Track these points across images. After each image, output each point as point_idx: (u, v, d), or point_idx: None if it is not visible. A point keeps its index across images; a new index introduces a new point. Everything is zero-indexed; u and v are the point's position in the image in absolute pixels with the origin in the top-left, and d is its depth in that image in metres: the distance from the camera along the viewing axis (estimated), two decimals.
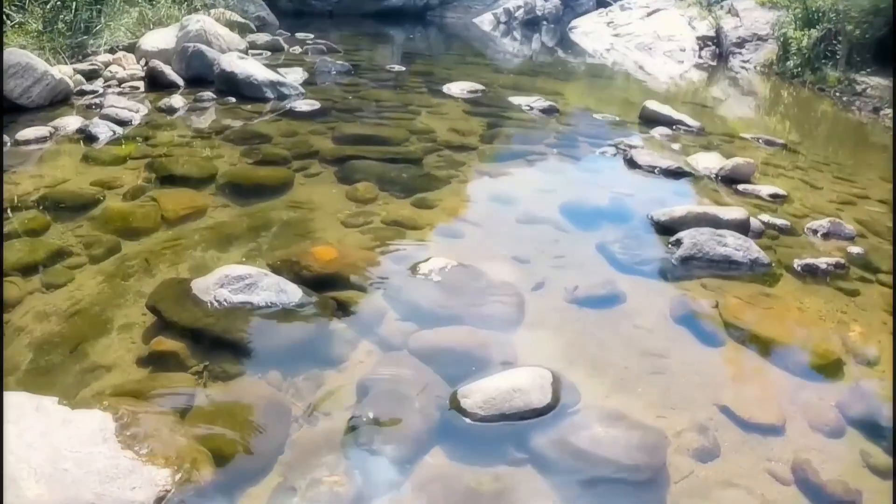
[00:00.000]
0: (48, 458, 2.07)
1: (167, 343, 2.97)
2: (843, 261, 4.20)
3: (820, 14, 12.00)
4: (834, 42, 11.68)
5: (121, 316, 3.22)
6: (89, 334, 3.08)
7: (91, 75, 7.67)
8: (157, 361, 2.89)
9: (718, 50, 15.11)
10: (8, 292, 3.33)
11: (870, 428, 2.85)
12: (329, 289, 3.48)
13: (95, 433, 2.26)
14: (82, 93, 7.15)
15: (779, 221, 4.73)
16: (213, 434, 2.47)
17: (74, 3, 8.19)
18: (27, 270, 3.53)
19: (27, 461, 2.03)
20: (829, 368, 3.22)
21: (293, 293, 3.26)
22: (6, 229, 3.95)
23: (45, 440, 2.15)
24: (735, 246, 4.11)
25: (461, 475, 2.40)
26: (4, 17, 7.44)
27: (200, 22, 9.08)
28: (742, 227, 4.44)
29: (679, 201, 5.04)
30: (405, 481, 2.37)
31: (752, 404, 2.89)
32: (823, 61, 11.66)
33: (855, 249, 4.42)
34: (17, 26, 7.65)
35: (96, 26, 8.58)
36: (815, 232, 4.69)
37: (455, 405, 2.65)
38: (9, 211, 4.22)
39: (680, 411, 2.83)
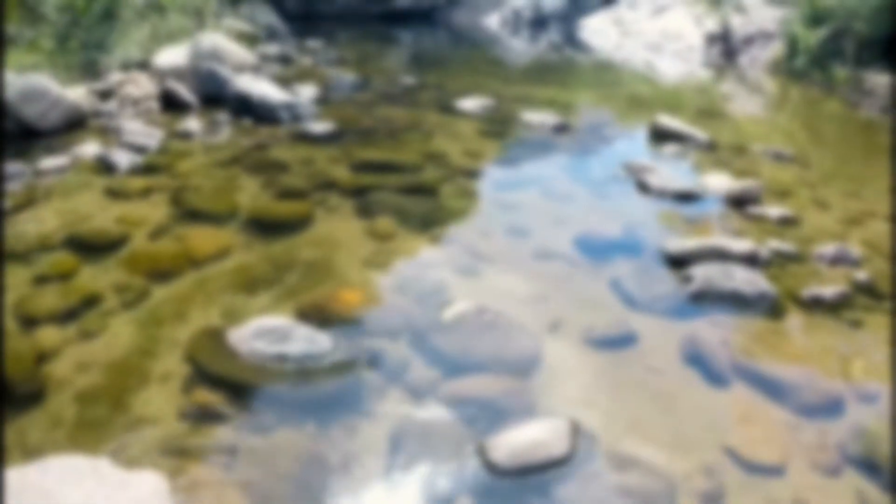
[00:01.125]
0: None
1: (207, 395, 3.15)
2: (848, 290, 4.34)
3: (828, 12, 12.02)
4: (842, 40, 11.72)
5: (158, 366, 3.39)
6: (129, 385, 3.25)
7: (105, 95, 7.76)
8: (198, 414, 3.06)
9: (726, 48, 15.15)
10: (46, 341, 3.50)
11: (868, 467, 3.02)
12: (356, 334, 3.65)
13: (152, 495, 2.43)
14: (98, 114, 7.26)
15: (786, 248, 4.84)
16: (258, 487, 2.66)
17: (86, 20, 8.30)
18: (62, 317, 3.69)
19: None
20: (830, 407, 3.37)
21: (324, 343, 3.43)
22: (39, 272, 4.11)
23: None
24: (744, 280, 4.25)
25: None
26: (16, 35, 7.56)
27: (212, 39, 9.21)
28: (751, 259, 4.58)
29: (690, 228, 5.19)
30: None
31: (755, 445, 3.07)
32: (831, 59, 11.70)
33: (861, 275, 4.53)
34: (28, 45, 7.78)
35: (109, 42, 8.69)
36: (821, 258, 4.80)
37: (482, 456, 2.83)
38: (38, 251, 4.37)
39: (688, 454, 3.01)
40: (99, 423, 3.01)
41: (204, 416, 3.06)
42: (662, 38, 16.48)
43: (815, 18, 12.26)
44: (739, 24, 15.13)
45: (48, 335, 3.55)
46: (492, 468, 2.80)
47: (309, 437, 2.97)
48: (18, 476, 2.37)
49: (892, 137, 8.33)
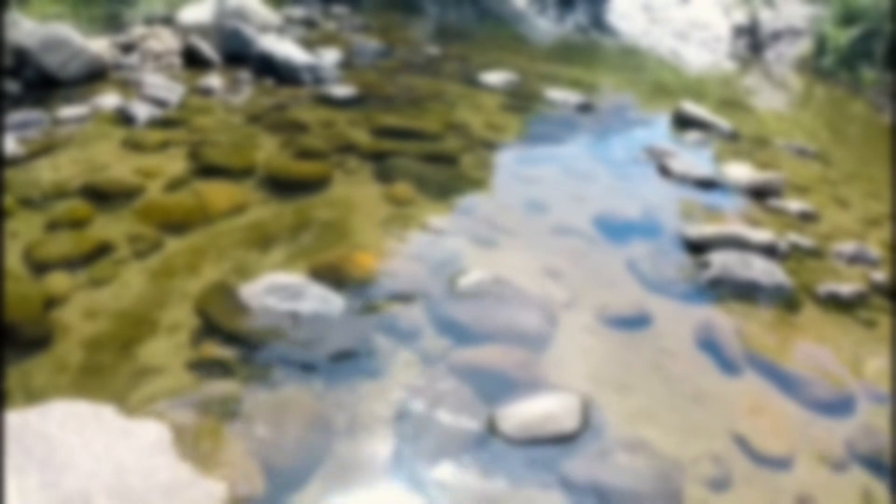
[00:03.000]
0: (114, 472, 2.23)
1: (215, 349, 3.13)
2: (864, 289, 4.30)
3: (860, 12, 11.83)
4: (872, 41, 11.54)
5: (167, 317, 3.37)
6: (137, 335, 3.23)
7: (127, 48, 7.70)
8: (205, 367, 3.05)
9: (753, 41, 14.95)
10: (55, 287, 3.48)
11: (874, 465, 3.01)
12: (369, 297, 3.62)
13: (155, 445, 2.42)
14: (119, 67, 7.21)
15: (805, 242, 4.80)
16: (261, 444, 2.64)
17: None
18: (73, 264, 3.67)
19: (96, 476, 2.19)
20: (841, 403, 3.35)
21: (336, 303, 3.41)
22: (51, 218, 4.09)
23: (109, 453, 2.31)
24: (762, 270, 4.21)
25: (497, 495, 2.57)
26: None
27: None
28: (769, 250, 4.53)
29: (709, 215, 5.14)
30: (444, 498, 2.53)
31: (765, 435, 3.05)
32: (860, 60, 11.52)
33: (878, 276, 4.48)
34: None
35: None
36: (840, 256, 4.75)
37: (492, 427, 2.80)
38: (53, 198, 4.34)
39: (697, 439, 2.99)
40: (104, 371, 2.99)
41: (211, 370, 3.04)
42: (690, 27, 16.28)
43: (847, 18, 12.07)
44: (768, 19, 14.92)
45: (57, 281, 3.53)
46: (501, 438, 2.77)
47: (316, 396, 2.95)
48: (19, 419, 2.36)
49: None
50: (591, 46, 14.06)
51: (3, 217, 4.00)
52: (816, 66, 12.39)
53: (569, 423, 2.83)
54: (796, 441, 3.07)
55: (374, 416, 2.87)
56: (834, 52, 11.99)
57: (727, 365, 3.49)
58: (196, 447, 2.54)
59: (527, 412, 2.84)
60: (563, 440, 2.80)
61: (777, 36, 14.46)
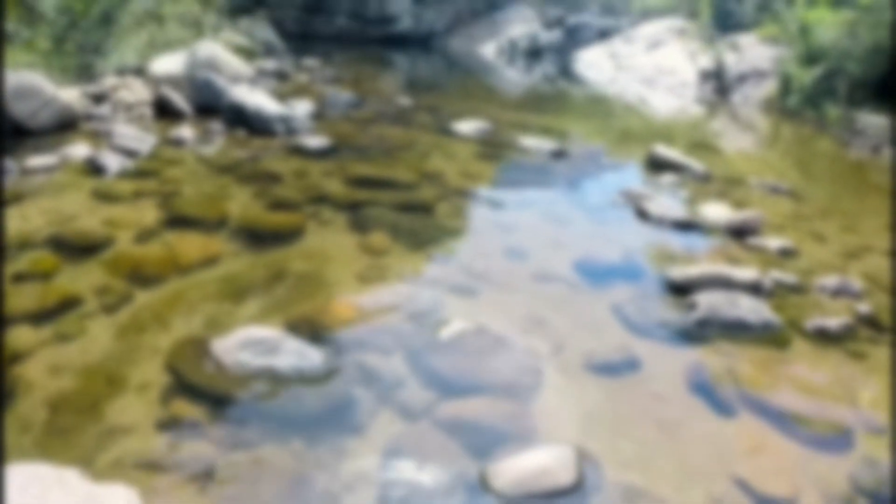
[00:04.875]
0: None
1: (187, 408, 2.96)
2: (852, 321, 4.25)
3: (822, 51, 12.12)
4: (835, 80, 11.80)
5: (137, 373, 3.19)
6: (105, 393, 3.05)
7: (98, 99, 7.65)
8: (176, 426, 2.87)
9: (720, 85, 15.25)
10: (19, 341, 3.31)
11: (879, 498, 2.89)
12: (349, 351, 3.48)
13: None
14: (90, 117, 7.14)
15: (788, 279, 4.76)
16: None
17: (84, 23, 8.21)
18: (38, 318, 3.50)
19: None
20: (839, 437, 3.26)
21: (314, 357, 3.26)
22: (17, 269, 3.93)
23: None
24: (748, 308, 4.14)
25: None
26: (13, 33, 7.44)
27: (209, 49, 9.12)
28: (754, 288, 4.47)
29: (690, 256, 5.09)
30: None
31: (766, 476, 2.93)
32: (824, 99, 11.77)
33: (863, 308, 4.44)
34: (25, 44, 7.65)
35: (105, 47, 8.60)
36: (823, 290, 4.71)
37: (484, 484, 2.65)
38: (18, 249, 4.18)
39: (697, 484, 2.86)
40: (69, 431, 2.81)
41: (182, 429, 2.86)
42: (657, 73, 16.58)
43: (810, 58, 12.37)
44: (733, 62, 15.24)
45: (21, 335, 3.36)
46: (495, 496, 2.62)
47: (295, 456, 2.78)
48: None
49: (893, 176, 8.33)
50: (559, 95, 14.24)
51: None
52: (782, 106, 12.64)
53: (564, 476, 2.68)
54: (798, 480, 2.95)
55: (357, 476, 2.70)
56: (799, 92, 12.25)
57: (721, 406, 3.39)
58: None
59: (520, 467, 2.69)
60: (560, 494, 2.65)
61: (743, 78, 14.76)
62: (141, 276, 4.03)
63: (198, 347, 3.31)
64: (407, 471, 2.71)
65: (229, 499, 2.52)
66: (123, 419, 2.90)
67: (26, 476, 2.26)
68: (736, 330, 4.04)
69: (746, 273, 4.56)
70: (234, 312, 3.77)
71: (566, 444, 2.88)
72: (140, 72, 8.65)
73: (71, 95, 7.01)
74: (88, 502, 2.24)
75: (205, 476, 2.61)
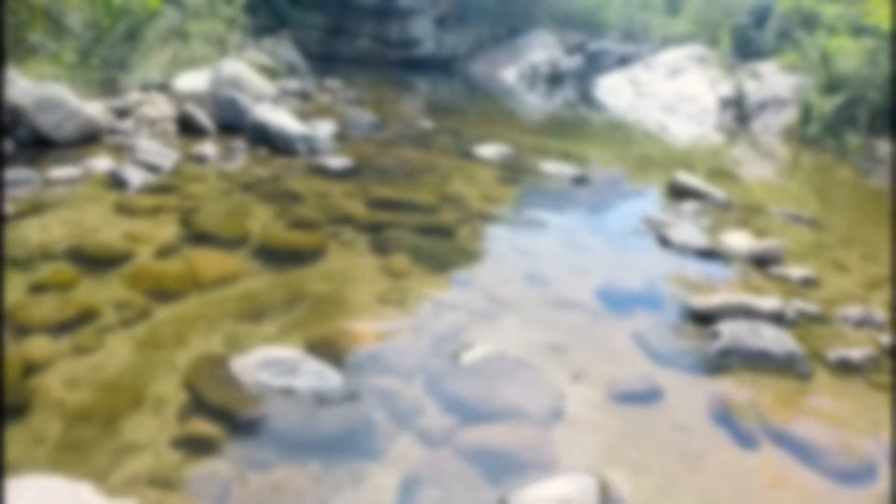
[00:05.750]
0: None
1: (204, 426, 2.93)
2: (875, 352, 4.18)
3: (843, 80, 12.06)
4: (855, 108, 11.72)
5: (154, 390, 3.18)
6: (121, 408, 3.04)
7: (122, 113, 7.72)
8: (192, 445, 2.84)
9: (740, 112, 15.20)
10: (36, 352, 3.30)
11: None
12: (369, 373, 3.45)
13: None
14: (113, 131, 7.20)
15: (811, 308, 4.70)
16: None
17: (110, 38, 8.31)
18: (56, 330, 3.50)
19: None
20: (863, 470, 3.19)
21: (334, 379, 3.23)
22: (36, 280, 3.93)
23: None
24: (771, 338, 4.09)
25: None
26: (39, 46, 7.54)
27: (233, 67, 9.20)
28: (777, 318, 4.42)
29: (712, 286, 5.04)
30: None
31: None
32: (844, 127, 11.69)
33: (886, 339, 4.37)
34: (50, 57, 7.75)
35: (130, 62, 8.70)
36: (846, 320, 4.65)
37: None
38: (38, 259, 4.20)
39: None
40: (84, 445, 2.79)
41: (198, 448, 2.83)
42: (677, 100, 16.57)
43: (830, 86, 12.31)
44: (753, 90, 15.20)
45: (39, 346, 3.35)
46: None
47: (312, 479, 2.74)
48: None
49: None
50: (580, 121, 14.25)
51: None
52: (802, 135, 12.57)
53: None
54: None
55: (375, 502, 2.67)
56: (819, 120, 12.18)
57: (744, 438, 3.32)
58: None
59: (541, 496, 2.63)
60: None
61: (763, 106, 14.72)
62: (160, 292, 4.03)
63: (216, 365, 3.30)
64: (426, 497, 2.67)
65: None
66: (139, 435, 2.88)
67: (38, 488, 2.25)
68: (758, 360, 3.98)
69: (769, 302, 4.50)
70: (253, 331, 3.76)
71: (588, 474, 2.83)
72: (164, 88, 8.74)
73: (95, 109, 7.08)
74: None
75: (220, 496, 2.59)
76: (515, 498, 2.65)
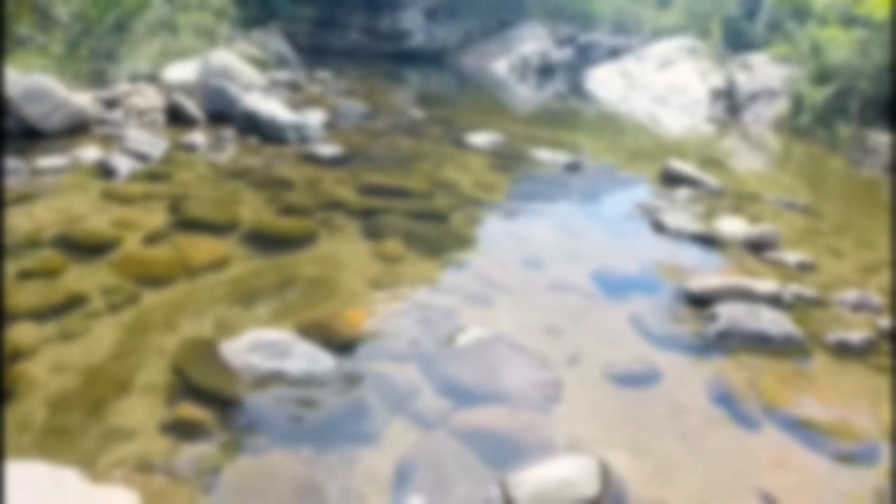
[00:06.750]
0: None
1: (193, 410, 2.85)
2: (873, 336, 4.15)
3: (834, 70, 12.03)
4: (846, 99, 11.70)
5: (142, 374, 3.10)
6: (108, 393, 2.96)
7: (111, 104, 7.62)
8: (181, 429, 2.76)
9: (731, 103, 15.17)
10: (22, 338, 3.22)
11: None
12: (362, 356, 3.39)
13: None
14: (102, 122, 7.11)
15: (807, 292, 4.66)
16: None
17: (98, 30, 8.21)
18: (42, 316, 3.42)
19: None
20: (865, 451, 3.16)
21: (326, 362, 3.16)
22: (23, 267, 3.85)
23: None
24: (770, 321, 4.05)
25: None
26: (27, 38, 7.44)
27: (223, 58, 9.10)
28: (775, 300, 4.37)
29: (708, 270, 5.00)
30: None
31: (792, 491, 2.82)
32: (835, 118, 11.66)
33: (883, 322, 4.33)
34: (38, 49, 7.64)
35: (118, 53, 8.59)
36: (843, 304, 4.61)
37: (504, 495, 2.54)
38: (25, 247, 4.12)
39: (722, 499, 2.75)
40: (70, 431, 2.71)
41: (187, 432, 2.75)
42: (668, 91, 16.53)
43: (821, 77, 12.28)
44: (744, 81, 15.17)
45: (25, 332, 3.27)
46: None
47: (304, 463, 2.67)
48: None
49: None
50: (571, 112, 14.21)
51: None
52: (794, 125, 12.54)
53: (588, 488, 2.56)
54: (825, 495, 2.86)
55: (369, 485, 2.60)
56: (810, 111, 12.15)
57: (744, 419, 3.28)
58: None
59: (541, 478, 2.57)
60: None
61: (754, 97, 14.68)
62: (149, 278, 3.96)
63: (205, 349, 3.22)
64: (422, 480, 2.61)
65: None
66: (126, 420, 2.80)
67: (20, 474, 2.17)
68: (757, 342, 3.93)
69: (766, 285, 4.46)
70: (244, 316, 3.69)
71: (589, 456, 2.77)
72: (153, 79, 8.63)
73: (83, 100, 6.98)
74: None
75: (210, 481, 2.51)
76: (514, 479, 2.58)
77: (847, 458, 3.09)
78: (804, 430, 3.22)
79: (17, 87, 6.13)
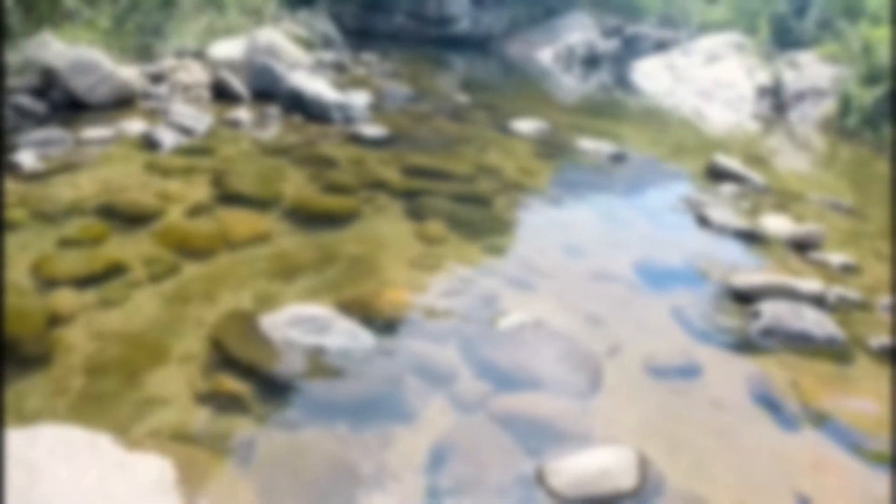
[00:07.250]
0: None
1: (230, 382, 2.87)
2: None
3: (884, 71, 11.70)
4: None
5: (180, 345, 3.12)
6: (146, 362, 2.98)
7: (156, 79, 7.69)
8: (218, 401, 2.78)
9: (777, 102, 14.85)
10: (61, 304, 3.26)
11: None
12: (401, 336, 3.38)
13: (155, 483, 2.15)
14: (147, 96, 7.18)
15: (851, 294, 4.55)
16: (275, 491, 2.37)
17: (145, 6, 8.28)
18: (83, 283, 3.46)
19: None
20: None
21: (366, 340, 3.16)
22: (65, 234, 3.91)
23: (101, 488, 2.04)
24: (813, 321, 3.96)
25: None
26: (74, 12, 7.51)
27: (269, 36, 9.13)
28: (818, 301, 4.28)
29: (752, 266, 4.91)
30: None
31: (831, 495, 2.77)
32: (884, 120, 11.36)
33: None
34: (86, 23, 7.72)
35: (165, 29, 8.66)
36: (887, 309, 4.49)
37: (542, 482, 2.52)
38: (68, 215, 4.18)
39: (760, 499, 2.70)
40: (105, 397, 2.73)
41: (223, 404, 2.76)
42: (714, 87, 16.24)
43: (871, 77, 11.95)
44: (791, 79, 14.82)
45: (64, 298, 3.31)
46: (552, 495, 2.47)
47: (340, 440, 2.66)
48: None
49: None
50: (615, 103, 14.04)
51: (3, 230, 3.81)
52: (840, 126, 12.24)
53: (626, 480, 2.53)
54: (864, 499, 2.79)
55: (404, 466, 2.59)
56: (858, 112, 11.85)
57: (784, 419, 3.22)
58: (201, 489, 2.28)
59: (579, 467, 2.54)
60: (621, 499, 2.50)
61: (801, 96, 14.35)
62: (189, 249, 3.99)
63: (244, 322, 3.24)
64: (458, 463, 2.59)
65: (267, 479, 2.42)
66: (163, 390, 2.82)
67: (56, 437, 2.19)
68: (800, 342, 3.86)
69: (810, 285, 4.36)
70: (284, 290, 3.70)
71: (627, 447, 2.73)
72: (199, 55, 8.70)
73: (129, 73, 7.06)
74: (119, 469, 2.16)
75: (244, 454, 2.52)
76: (552, 467, 2.56)
77: (886, 464, 3.01)
78: (844, 433, 3.15)
79: (64, 59, 6.21)
